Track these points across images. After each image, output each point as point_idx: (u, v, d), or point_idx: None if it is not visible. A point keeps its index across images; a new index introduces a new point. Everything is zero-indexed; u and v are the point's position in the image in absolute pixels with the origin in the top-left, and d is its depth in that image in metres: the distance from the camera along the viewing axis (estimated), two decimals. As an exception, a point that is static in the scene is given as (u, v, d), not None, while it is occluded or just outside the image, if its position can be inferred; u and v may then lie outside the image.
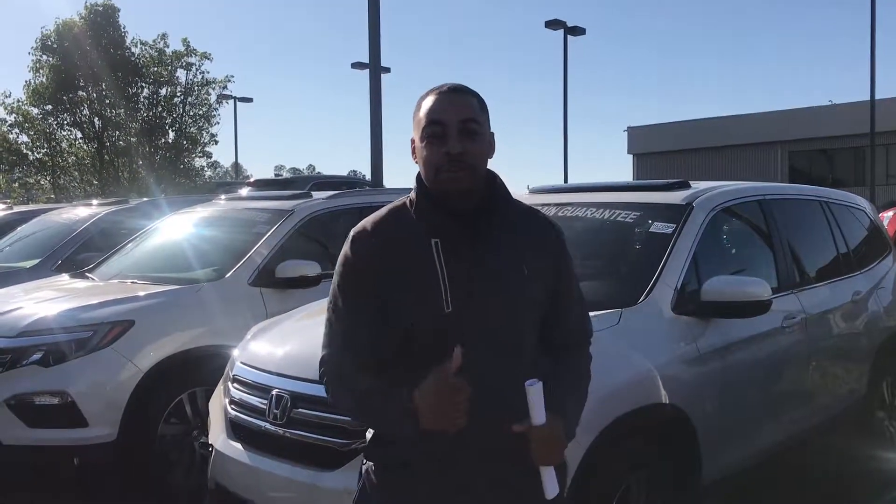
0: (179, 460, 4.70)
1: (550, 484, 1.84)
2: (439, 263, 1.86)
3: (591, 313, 3.47)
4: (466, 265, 1.87)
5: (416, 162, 1.95)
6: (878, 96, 23.83)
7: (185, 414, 4.75)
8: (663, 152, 39.94)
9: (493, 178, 1.98)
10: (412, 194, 1.96)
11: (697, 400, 3.47)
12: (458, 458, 1.89)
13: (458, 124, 1.87)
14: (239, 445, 3.41)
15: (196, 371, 4.73)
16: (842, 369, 4.62)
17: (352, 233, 1.98)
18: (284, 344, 3.64)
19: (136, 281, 5.41)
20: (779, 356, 4.06)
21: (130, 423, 4.52)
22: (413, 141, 1.97)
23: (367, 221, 1.97)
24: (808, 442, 4.39)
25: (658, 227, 3.93)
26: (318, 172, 55.85)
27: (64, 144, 23.25)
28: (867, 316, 4.87)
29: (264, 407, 3.30)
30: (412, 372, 1.83)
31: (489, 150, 1.96)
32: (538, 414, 1.79)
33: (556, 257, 2.02)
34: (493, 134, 1.99)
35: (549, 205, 4.51)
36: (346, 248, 1.97)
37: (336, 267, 1.99)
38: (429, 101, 1.92)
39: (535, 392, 1.79)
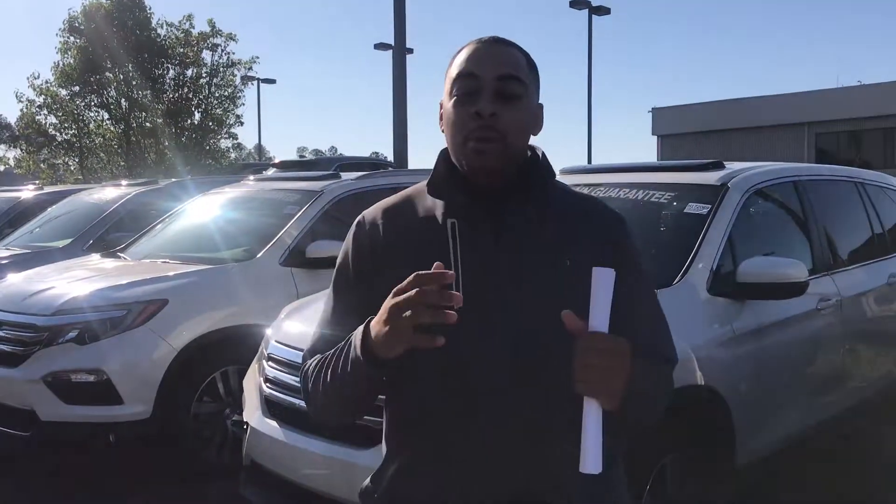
0: (212, 438, 4.76)
1: (593, 452, 1.26)
2: (453, 249, 1.47)
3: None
4: (487, 254, 1.49)
5: (443, 130, 1.57)
6: (909, 76, 23.40)
7: (218, 392, 4.80)
8: (688, 133, 39.55)
9: (535, 155, 1.60)
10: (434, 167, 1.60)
11: (732, 382, 3.45)
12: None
13: (494, 80, 1.48)
14: (274, 423, 3.44)
15: (229, 350, 4.77)
16: (875, 352, 4.57)
17: (357, 219, 1.64)
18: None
19: (167, 261, 5.46)
20: (813, 338, 4.02)
21: (164, 400, 4.57)
22: (441, 105, 1.58)
23: (375, 206, 1.64)
24: (841, 425, 4.35)
25: (693, 207, 3.89)
26: (341, 154, 55.95)
27: (91, 125, 23.42)
28: (903, 299, 4.81)
29: (299, 385, 3.32)
30: (410, 388, 1.51)
31: (533, 122, 1.55)
32: (600, 314, 1.29)
33: (617, 252, 1.54)
34: (541, 106, 1.59)
35: (580, 185, 4.50)
36: (347, 236, 1.64)
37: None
38: (465, 52, 1.54)
39: (602, 279, 1.29)
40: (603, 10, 24.85)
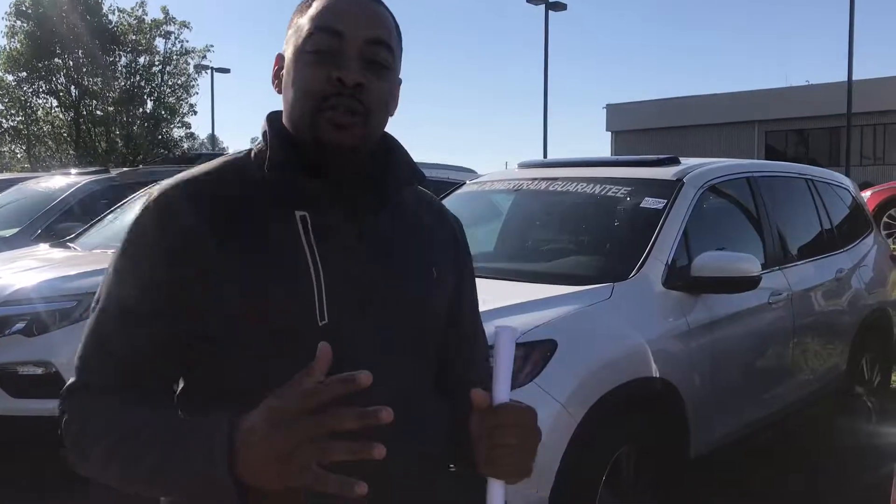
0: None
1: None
2: (309, 249, 1.19)
3: (584, 287, 3.53)
4: (350, 256, 1.22)
5: (279, 90, 1.29)
6: (854, 77, 24.02)
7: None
8: (641, 130, 40.08)
9: (389, 140, 1.34)
10: (259, 143, 1.29)
11: (686, 374, 3.50)
12: None
13: (363, 44, 1.22)
14: None
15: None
16: (824, 345, 4.68)
17: (156, 192, 1.22)
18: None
19: (109, 251, 5.34)
20: (765, 332, 4.11)
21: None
22: (279, 59, 1.30)
23: (182, 181, 1.22)
24: (791, 416, 4.45)
25: (649, 202, 3.94)
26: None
27: (39, 113, 22.88)
28: (850, 293, 4.94)
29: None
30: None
31: (393, 102, 1.29)
32: (504, 381, 1.15)
33: (459, 255, 1.40)
34: (401, 82, 1.32)
35: (538, 179, 4.52)
36: (144, 214, 1.20)
37: (122, 245, 1.21)
38: (322, 0, 1.25)
39: (505, 339, 1.14)
40: (559, 6, 25.02)
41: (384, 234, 1.27)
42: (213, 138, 43.55)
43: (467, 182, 5.03)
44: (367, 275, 1.23)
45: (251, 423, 0.99)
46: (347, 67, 1.20)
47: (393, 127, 1.34)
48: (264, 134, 1.26)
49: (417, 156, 1.59)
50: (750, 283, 3.64)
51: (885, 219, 9.94)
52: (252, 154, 1.28)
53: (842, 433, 4.84)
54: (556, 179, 4.46)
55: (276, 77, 1.30)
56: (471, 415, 1.19)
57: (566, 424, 2.92)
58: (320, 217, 1.21)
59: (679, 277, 3.64)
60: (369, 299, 1.22)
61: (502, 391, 1.14)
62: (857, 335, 4.94)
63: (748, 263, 3.64)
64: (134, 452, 1.09)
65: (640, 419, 3.34)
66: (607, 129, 43.24)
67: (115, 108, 22.09)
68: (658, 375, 3.32)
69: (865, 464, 4.47)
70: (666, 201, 3.91)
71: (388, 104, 1.27)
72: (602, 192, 4.19)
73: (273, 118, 1.28)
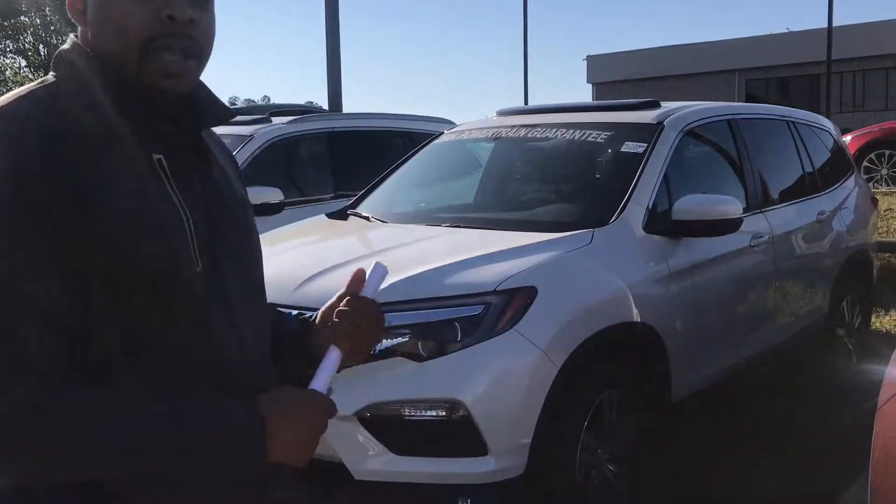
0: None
1: (322, 378, 1.25)
2: (175, 195, 1.13)
3: (563, 234, 3.47)
4: (198, 199, 1.18)
5: (79, 18, 1.14)
6: (834, 23, 23.88)
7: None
8: (622, 81, 39.81)
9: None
10: (76, 73, 1.13)
11: (668, 318, 3.47)
12: None
13: None
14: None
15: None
16: (806, 288, 4.68)
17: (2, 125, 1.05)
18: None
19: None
20: (746, 275, 4.08)
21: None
22: None
23: (27, 104, 1.08)
24: (773, 359, 4.45)
25: (629, 146, 3.88)
26: (273, 103, 54.69)
27: (8, 73, 22.38)
28: (831, 236, 4.92)
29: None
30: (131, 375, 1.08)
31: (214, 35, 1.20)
32: (374, 283, 1.36)
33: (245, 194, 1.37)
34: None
35: (517, 126, 4.44)
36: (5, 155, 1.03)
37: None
38: None
39: (378, 273, 1.37)
40: (538, -45, 24.57)
41: (213, 176, 1.23)
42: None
43: (444, 132, 4.93)
44: (213, 217, 1.20)
45: (279, 401, 1.15)
46: (177, 1, 1.09)
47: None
48: (70, 63, 1.13)
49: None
50: (731, 225, 3.60)
51: (865, 163, 9.93)
52: (62, 85, 1.12)
53: (823, 374, 4.87)
54: (535, 126, 4.38)
55: (74, 6, 1.14)
56: (327, 307, 1.37)
57: (547, 371, 2.88)
58: (171, 160, 1.15)
59: (660, 222, 3.59)
60: (222, 242, 1.21)
61: (371, 288, 1.36)
62: (839, 277, 4.93)
63: (729, 206, 3.60)
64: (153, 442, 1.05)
65: (621, 364, 3.32)
66: (588, 81, 42.95)
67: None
68: (639, 320, 3.29)
69: (847, 402, 4.50)
70: (646, 145, 3.85)
71: (213, 38, 1.18)
72: (582, 138, 4.12)
73: (85, 51, 1.14)
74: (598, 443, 3.17)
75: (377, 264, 1.38)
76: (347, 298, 1.34)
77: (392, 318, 2.90)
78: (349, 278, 1.36)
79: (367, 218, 4.17)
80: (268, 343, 1.32)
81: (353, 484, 2.85)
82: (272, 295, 3.19)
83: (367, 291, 1.35)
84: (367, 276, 1.35)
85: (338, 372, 1.30)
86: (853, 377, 4.91)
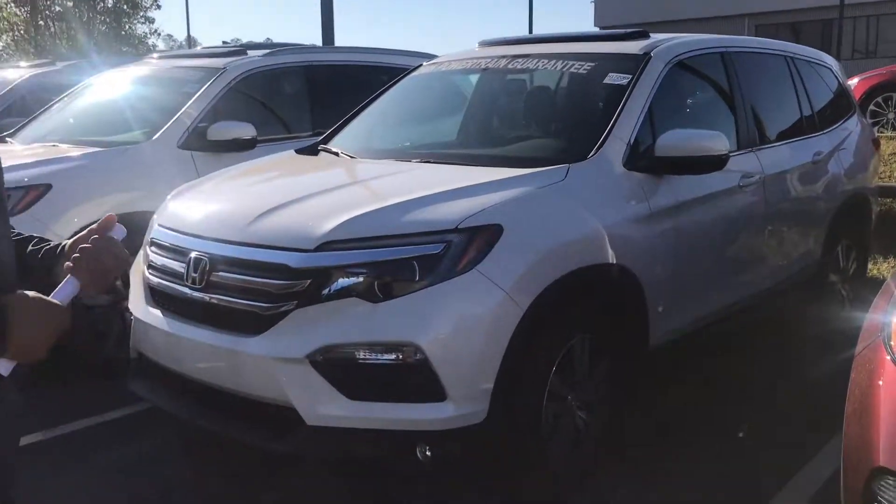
0: (108, 332, 4.47)
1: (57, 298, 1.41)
2: None
3: (536, 169, 3.27)
4: None
5: None
6: (849, -35, 23.15)
7: (114, 285, 4.48)
8: (630, 25, 38.96)
9: None
10: None
11: (647, 261, 3.29)
12: None
13: None
14: (159, 312, 3.17)
15: (125, 239, 4.43)
16: (798, 232, 4.47)
17: None
18: (204, 204, 3.36)
19: (57, 144, 5.03)
20: (734, 216, 3.88)
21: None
22: None
23: None
24: (760, 306, 4.28)
25: (613, 77, 3.64)
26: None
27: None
28: (827, 178, 4.70)
29: (183, 271, 3.05)
30: None
31: None
32: (119, 229, 1.54)
33: None
34: None
35: (498, 57, 4.20)
36: None
37: None
38: None
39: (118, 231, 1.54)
40: None
41: None
42: (189, 39, 42.11)
43: (424, 63, 4.68)
44: None
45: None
46: None
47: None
48: None
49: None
50: (716, 162, 3.39)
51: (871, 106, 9.61)
52: None
53: (812, 322, 4.70)
54: (517, 57, 4.14)
55: None
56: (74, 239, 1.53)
57: (511, 313, 2.71)
58: None
59: (641, 158, 3.38)
60: None
61: (119, 231, 1.53)
62: (834, 221, 4.72)
63: (715, 141, 3.38)
64: None
65: (594, 307, 3.14)
66: (595, 25, 42.04)
67: (73, 3, 21.11)
68: (615, 261, 3.10)
69: (835, 350, 4.34)
70: (631, 77, 3.61)
71: None
72: (565, 69, 3.89)
73: None
74: (567, 390, 3.01)
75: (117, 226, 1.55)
76: (94, 237, 1.48)
77: (346, 257, 2.73)
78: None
79: (336, 154, 3.96)
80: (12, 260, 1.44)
81: (306, 429, 2.70)
82: (226, 230, 3.01)
83: (115, 234, 1.52)
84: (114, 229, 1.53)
85: (79, 299, 1.45)
86: (844, 325, 4.73)
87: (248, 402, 2.85)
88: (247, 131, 4.92)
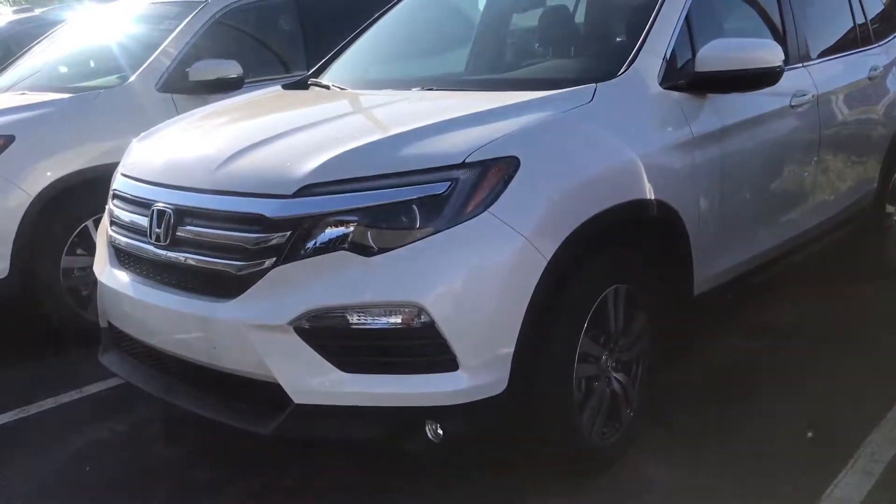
0: (91, 296, 4.08)
1: None
2: None
3: (558, 91, 2.78)
4: None
5: None
6: None
7: (93, 243, 4.08)
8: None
9: None
10: None
11: (690, 194, 2.81)
12: None
13: None
14: (125, 275, 2.75)
15: (101, 193, 4.00)
16: (853, 159, 3.95)
17: None
18: (170, 148, 2.91)
19: (26, 92, 4.58)
20: (786, 141, 3.37)
21: (24, 255, 3.85)
22: None
23: None
24: (811, 243, 3.78)
25: (644, -18, 3.11)
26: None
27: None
28: (885, 96, 4.15)
29: (147, 226, 2.61)
30: None
31: None
32: None
33: None
34: None
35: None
36: None
37: None
38: None
39: None
40: None
41: None
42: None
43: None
44: None
45: None
46: None
47: None
48: None
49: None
50: (770, 76, 2.87)
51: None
52: None
53: (870, 260, 4.21)
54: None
55: None
56: None
57: (532, 263, 2.25)
58: None
59: (680, 74, 2.88)
60: None
61: None
62: (892, 147, 4.19)
63: (767, 51, 2.86)
64: None
65: (630, 252, 2.68)
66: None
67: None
68: (653, 197, 2.63)
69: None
70: (665, -19, 3.08)
71: None
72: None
73: None
74: (600, 349, 2.57)
75: None
76: None
77: (333, 202, 2.27)
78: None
79: (326, 87, 3.48)
80: None
81: (294, 409, 2.28)
82: (192, 176, 2.54)
83: None
84: None
85: None
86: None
87: (227, 378, 2.44)
88: (232, 70, 4.44)
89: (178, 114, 4.31)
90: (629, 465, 2.69)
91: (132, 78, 4.40)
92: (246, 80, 4.53)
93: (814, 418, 2.90)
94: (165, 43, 4.54)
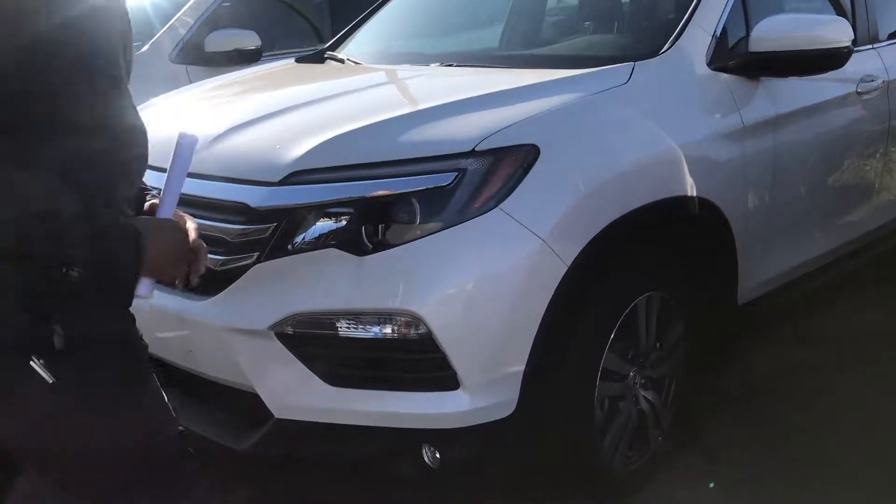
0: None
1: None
2: None
3: (590, 70, 2.47)
4: None
5: None
6: None
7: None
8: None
9: None
10: None
11: (738, 192, 2.48)
12: None
13: None
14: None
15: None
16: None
17: None
18: (161, 125, 2.64)
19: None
20: (851, 132, 3.01)
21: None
22: None
23: None
24: (870, 248, 3.40)
25: (692, -50, 2.76)
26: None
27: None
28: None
29: (128, 211, 2.37)
30: None
31: None
32: (168, 201, 1.36)
33: None
34: None
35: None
36: None
37: None
38: None
39: (183, 153, 1.34)
40: None
41: None
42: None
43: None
44: None
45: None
46: None
47: None
48: None
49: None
50: (835, 58, 2.52)
51: None
52: None
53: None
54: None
55: None
56: None
57: (549, 269, 1.95)
58: None
59: (732, 54, 2.53)
60: None
61: (167, 207, 1.35)
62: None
63: (833, 29, 2.51)
64: None
65: (666, 256, 2.36)
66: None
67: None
68: (695, 194, 2.30)
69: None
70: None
71: None
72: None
73: None
74: (628, 365, 2.26)
75: (181, 137, 1.34)
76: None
77: (323, 192, 2.00)
78: None
79: (341, 61, 3.20)
80: None
81: (274, 424, 2.02)
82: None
83: (161, 212, 1.35)
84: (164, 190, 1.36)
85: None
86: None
87: (209, 385, 2.19)
88: (250, 41, 4.24)
89: (190, 86, 4.12)
90: (658, 490, 2.39)
91: (144, 48, 4.20)
92: (268, 53, 4.31)
93: (878, 441, 2.57)
94: (181, 12, 4.34)
